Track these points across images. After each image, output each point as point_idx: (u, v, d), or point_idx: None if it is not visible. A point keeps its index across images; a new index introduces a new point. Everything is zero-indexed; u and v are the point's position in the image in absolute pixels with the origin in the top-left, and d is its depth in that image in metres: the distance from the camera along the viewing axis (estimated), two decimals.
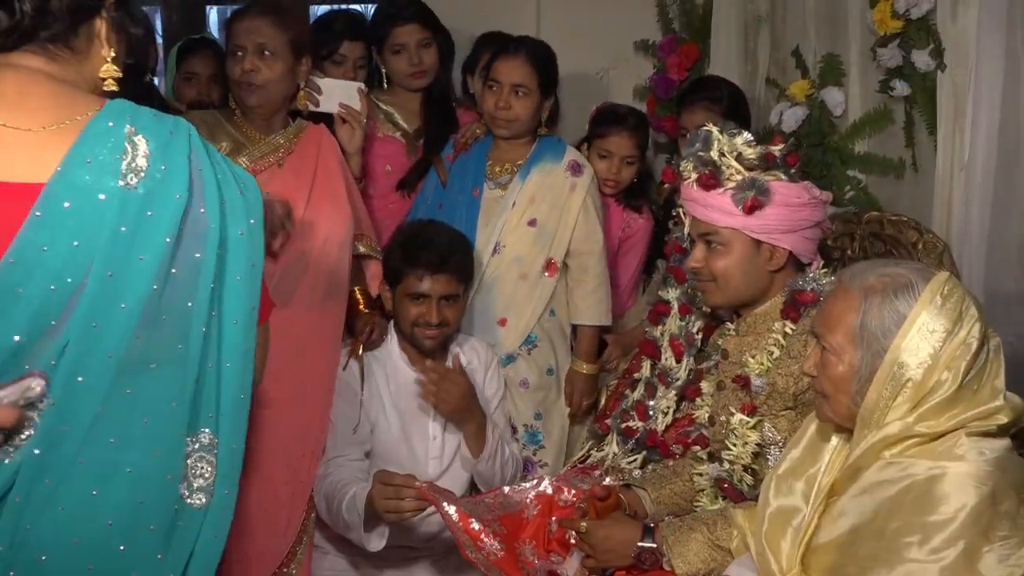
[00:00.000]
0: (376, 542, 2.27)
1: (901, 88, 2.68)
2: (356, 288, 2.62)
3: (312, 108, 2.57)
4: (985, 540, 1.45)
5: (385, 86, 3.04)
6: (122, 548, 1.32)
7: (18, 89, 1.34)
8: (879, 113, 2.84)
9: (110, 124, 1.30)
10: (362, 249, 2.60)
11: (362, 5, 4.13)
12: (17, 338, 1.25)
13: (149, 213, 1.28)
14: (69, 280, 1.26)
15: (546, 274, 2.80)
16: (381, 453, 2.52)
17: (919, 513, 1.48)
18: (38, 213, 1.25)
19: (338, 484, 2.36)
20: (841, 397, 1.62)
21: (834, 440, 1.70)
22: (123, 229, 1.27)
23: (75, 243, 1.26)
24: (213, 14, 4.45)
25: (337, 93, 2.62)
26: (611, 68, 3.80)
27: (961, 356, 1.52)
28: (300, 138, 2.53)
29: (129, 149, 1.29)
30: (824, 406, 1.67)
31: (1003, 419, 1.53)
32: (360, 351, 2.54)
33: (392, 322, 2.62)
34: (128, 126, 1.31)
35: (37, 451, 1.27)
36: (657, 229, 3.01)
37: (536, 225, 2.78)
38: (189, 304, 1.33)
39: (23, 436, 1.26)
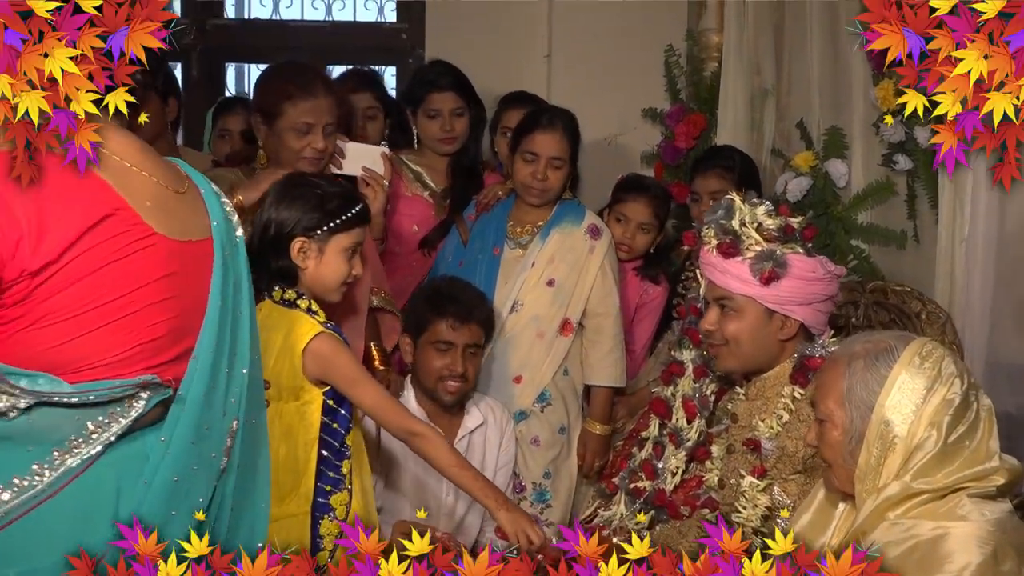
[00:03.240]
0: None
1: (904, 163, 2.74)
2: (372, 344, 2.63)
3: (335, 171, 2.60)
4: None
5: (416, 147, 3.10)
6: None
7: (151, 151, 1.51)
8: (881, 185, 2.88)
9: (211, 187, 1.55)
10: (376, 302, 2.62)
11: (379, 68, 4.22)
12: (227, 369, 1.51)
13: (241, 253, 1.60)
14: (232, 313, 1.52)
15: (561, 334, 2.83)
16: (392, 508, 2.53)
17: (925, 572, 1.52)
18: (217, 263, 1.49)
19: None
20: (840, 462, 1.68)
21: (842, 505, 1.75)
22: (246, 269, 1.55)
23: (233, 282, 1.54)
24: (231, 70, 4.57)
25: (361, 156, 2.64)
26: (619, 135, 3.88)
27: (943, 412, 1.59)
28: None
29: (230, 206, 1.56)
30: (830, 476, 1.73)
31: (1000, 480, 1.59)
32: None
33: (409, 377, 2.65)
34: (214, 187, 1.55)
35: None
36: (669, 292, 3.04)
37: (554, 285, 2.82)
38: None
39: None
